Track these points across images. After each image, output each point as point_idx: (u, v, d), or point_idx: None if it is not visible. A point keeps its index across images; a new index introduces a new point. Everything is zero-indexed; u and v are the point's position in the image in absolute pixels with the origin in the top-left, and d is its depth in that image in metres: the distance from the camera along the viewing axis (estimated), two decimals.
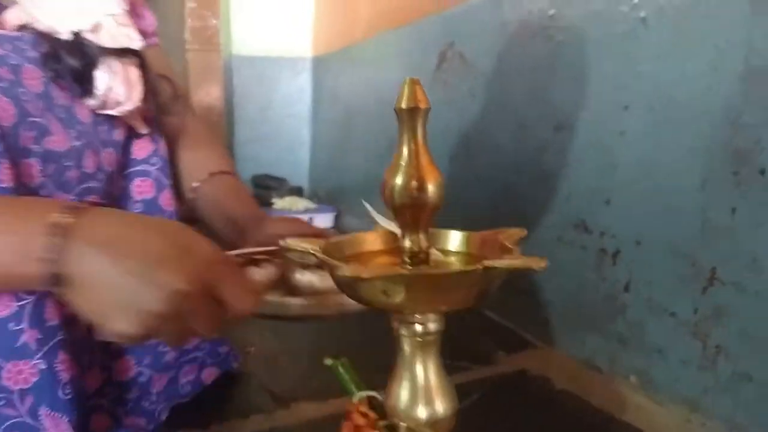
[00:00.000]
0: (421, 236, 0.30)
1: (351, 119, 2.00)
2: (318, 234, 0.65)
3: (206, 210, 0.83)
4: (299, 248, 0.41)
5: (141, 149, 0.74)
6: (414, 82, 0.33)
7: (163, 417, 0.71)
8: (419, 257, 0.31)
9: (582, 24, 0.93)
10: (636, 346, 0.84)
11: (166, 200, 0.75)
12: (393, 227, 0.32)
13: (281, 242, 0.52)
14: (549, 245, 1.01)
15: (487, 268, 0.26)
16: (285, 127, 2.46)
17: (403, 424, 0.31)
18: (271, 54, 2.39)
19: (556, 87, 1.00)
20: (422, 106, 0.32)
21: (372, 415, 0.33)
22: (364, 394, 0.34)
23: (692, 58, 0.75)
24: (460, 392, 0.85)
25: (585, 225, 0.93)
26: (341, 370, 0.36)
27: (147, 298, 0.39)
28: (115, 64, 0.66)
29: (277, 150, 2.45)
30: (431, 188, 0.30)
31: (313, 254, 0.39)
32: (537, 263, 0.26)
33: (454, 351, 0.97)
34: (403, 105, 0.31)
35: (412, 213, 0.30)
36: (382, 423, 0.32)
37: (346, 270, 0.28)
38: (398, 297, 0.26)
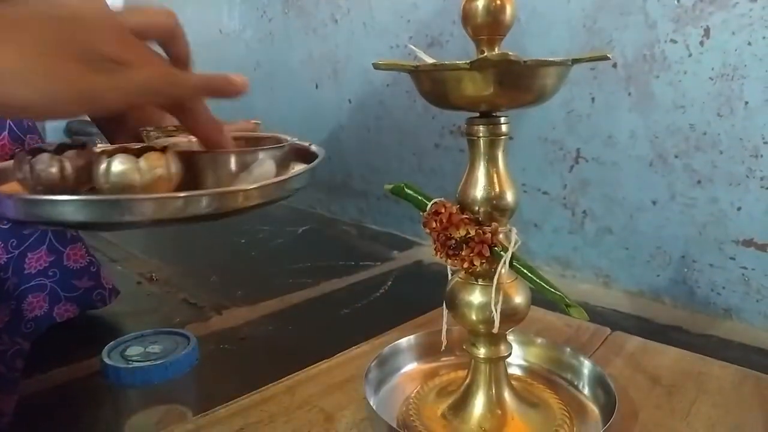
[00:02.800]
0: None
1: None
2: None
3: None
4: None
5: None
6: None
7: (18, 363, 0.60)
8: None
9: None
10: (513, 224, 1.00)
11: None
12: (433, 60, 0.37)
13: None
14: (426, 150, 1.12)
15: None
16: None
17: (481, 209, 0.38)
18: None
19: (424, 6, 1.09)
20: None
21: (456, 207, 0.38)
22: (439, 199, 0.39)
23: None
24: (375, 283, 0.94)
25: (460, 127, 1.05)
26: (407, 189, 0.40)
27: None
28: None
29: None
30: (508, 8, 0.36)
31: None
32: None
33: (356, 256, 1.06)
34: None
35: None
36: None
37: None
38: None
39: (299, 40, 1.41)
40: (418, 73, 0.35)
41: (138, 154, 0.35)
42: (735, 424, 0.43)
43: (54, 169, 0.35)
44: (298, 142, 0.47)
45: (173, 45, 0.40)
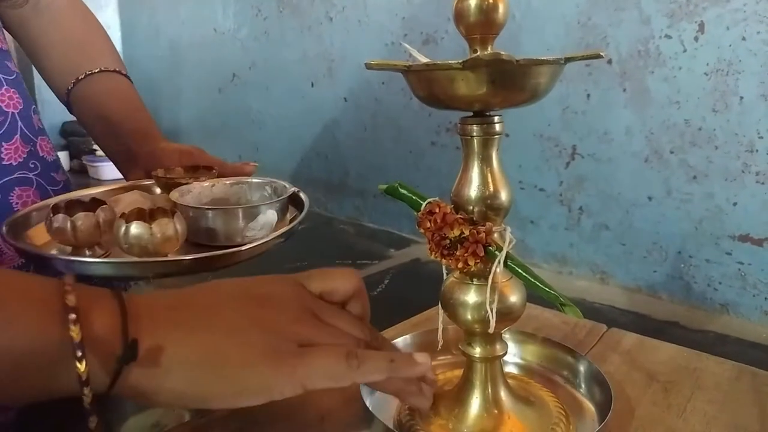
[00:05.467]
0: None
1: (178, 54, 1.90)
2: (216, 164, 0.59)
3: (86, 121, 0.70)
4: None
5: None
6: None
7: None
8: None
9: None
10: (510, 221, 1.00)
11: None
12: (426, 59, 0.36)
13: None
14: (423, 148, 1.12)
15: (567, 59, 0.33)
16: None
17: (475, 209, 0.38)
18: None
19: (419, 4, 1.08)
20: None
21: (450, 207, 0.38)
22: (433, 199, 0.39)
23: None
24: (374, 281, 0.94)
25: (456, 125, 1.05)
26: (401, 189, 0.40)
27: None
28: None
29: None
30: (501, 7, 0.36)
31: None
32: None
33: (354, 254, 1.06)
34: None
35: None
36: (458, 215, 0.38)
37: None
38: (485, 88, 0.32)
39: (294, 38, 1.41)
40: (410, 72, 0.35)
41: (150, 215, 0.43)
42: (731, 420, 0.44)
43: (68, 228, 0.43)
44: (291, 188, 0.53)
45: (355, 306, 0.42)
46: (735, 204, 0.75)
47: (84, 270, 0.40)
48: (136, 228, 0.42)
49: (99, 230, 0.45)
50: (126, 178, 0.65)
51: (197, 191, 0.52)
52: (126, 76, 0.72)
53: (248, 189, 0.55)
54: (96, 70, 0.69)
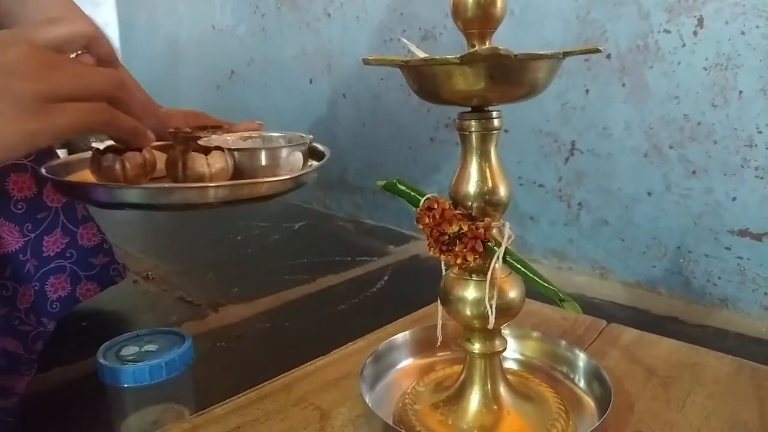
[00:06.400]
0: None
1: (177, 51, 1.89)
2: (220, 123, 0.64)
3: None
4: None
5: None
6: None
7: (38, 345, 0.63)
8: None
9: None
10: (509, 217, 1.00)
11: None
12: (425, 55, 0.36)
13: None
14: (422, 144, 1.12)
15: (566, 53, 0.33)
16: None
17: (474, 204, 0.38)
18: None
19: (417, 0, 1.08)
20: None
21: (448, 202, 0.38)
22: (432, 195, 0.39)
23: None
24: (372, 278, 0.94)
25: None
26: (400, 185, 0.39)
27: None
28: None
29: None
30: (499, 1, 0.35)
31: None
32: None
33: (352, 252, 1.06)
34: None
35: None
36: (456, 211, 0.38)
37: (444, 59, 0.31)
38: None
39: (292, 34, 1.41)
40: (408, 68, 0.35)
41: (205, 152, 0.49)
42: (730, 415, 0.44)
43: (117, 167, 0.47)
44: (307, 137, 0.58)
45: (96, 49, 0.44)
46: (734, 199, 0.75)
47: (123, 197, 0.45)
48: (194, 160, 0.47)
49: (145, 168, 0.49)
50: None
51: (220, 142, 0.54)
52: None
53: (263, 141, 0.59)
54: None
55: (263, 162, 0.52)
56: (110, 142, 0.49)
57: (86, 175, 0.52)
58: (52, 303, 0.68)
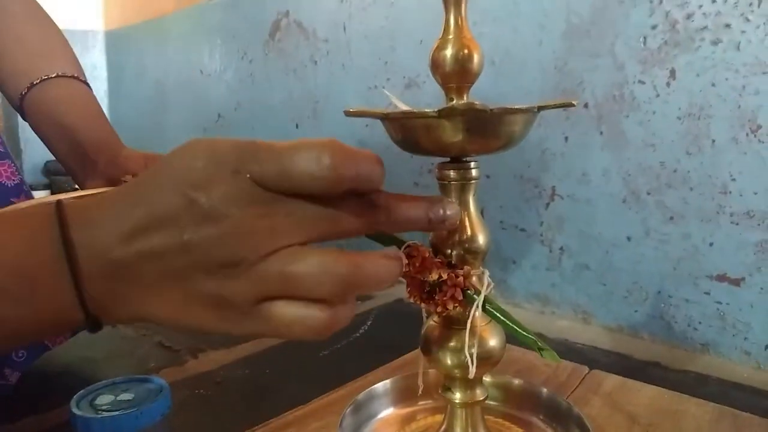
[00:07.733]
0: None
1: (164, 94, 1.91)
2: None
3: (41, 129, 0.66)
4: None
5: None
6: None
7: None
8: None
9: None
10: (492, 261, 1.00)
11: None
12: (406, 107, 0.38)
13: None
14: (406, 189, 1.13)
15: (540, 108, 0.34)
16: None
17: (453, 252, 0.38)
18: None
19: (401, 49, 1.11)
20: None
21: (429, 250, 0.38)
22: (413, 242, 0.39)
23: (523, 19, 0.92)
24: (355, 323, 0.93)
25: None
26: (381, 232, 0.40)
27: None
28: None
29: None
30: (476, 57, 0.37)
31: None
32: None
33: None
34: None
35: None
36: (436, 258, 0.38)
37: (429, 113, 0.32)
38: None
39: (279, 80, 1.43)
40: (388, 120, 0.36)
41: None
42: None
43: None
44: None
45: (361, 184, 0.32)
46: (711, 244, 0.76)
47: None
48: None
49: None
50: (82, 186, 0.62)
51: None
52: (85, 83, 0.69)
53: None
54: (53, 75, 0.66)
55: None
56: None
57: None
58: (18, 350, 0.60)
